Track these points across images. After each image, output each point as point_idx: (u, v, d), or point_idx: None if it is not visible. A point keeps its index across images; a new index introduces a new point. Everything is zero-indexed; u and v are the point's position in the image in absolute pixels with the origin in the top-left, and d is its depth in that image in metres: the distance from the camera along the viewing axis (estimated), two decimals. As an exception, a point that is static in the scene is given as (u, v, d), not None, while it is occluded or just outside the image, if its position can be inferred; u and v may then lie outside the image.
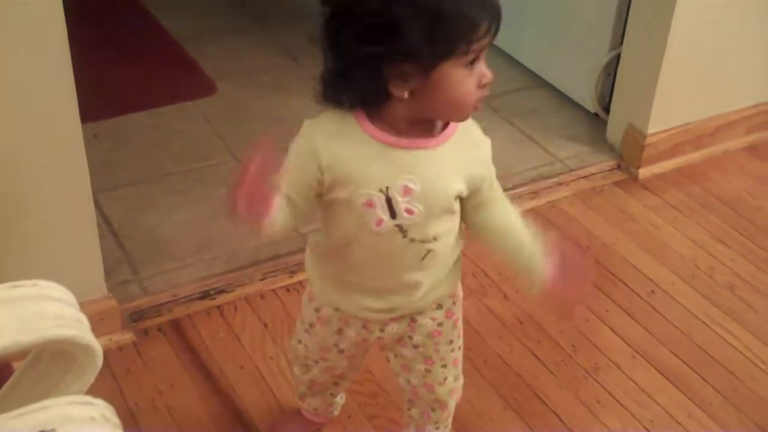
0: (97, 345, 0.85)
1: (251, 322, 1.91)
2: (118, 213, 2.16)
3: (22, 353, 0.86)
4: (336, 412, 1.69)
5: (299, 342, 1.48)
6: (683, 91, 2.38)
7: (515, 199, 2.28)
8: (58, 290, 0.86)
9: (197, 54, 2.84)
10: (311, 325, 1.43)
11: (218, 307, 1.94)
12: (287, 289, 1.97)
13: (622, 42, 2.44)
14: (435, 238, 1.26)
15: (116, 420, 0.76)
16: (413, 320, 1.37)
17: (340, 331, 1.40)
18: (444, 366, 1.43)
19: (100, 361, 0.85)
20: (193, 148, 2.42)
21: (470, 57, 1.13)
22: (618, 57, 2.46)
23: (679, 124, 2.44)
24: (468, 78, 1.14)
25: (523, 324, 1.95)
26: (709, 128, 2.49)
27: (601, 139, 2.54)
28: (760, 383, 1.85)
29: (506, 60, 2.88)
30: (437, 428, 1.54)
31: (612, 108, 2.52)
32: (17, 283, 0.86)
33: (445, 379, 1.45)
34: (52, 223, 1.66)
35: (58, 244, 1.68)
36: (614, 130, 2.50)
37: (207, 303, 1.95)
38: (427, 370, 1.43)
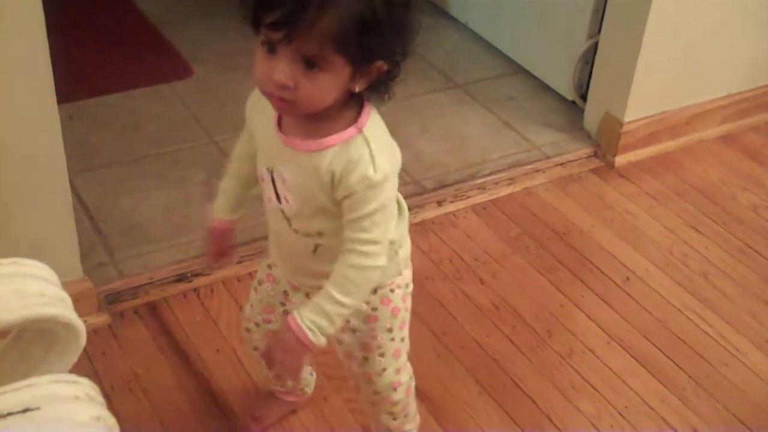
0: (80, 324, 0.84)
1: (228, 305, 1.90)
2: (94, 195, 2.14)
3: (3, 332, 0.85)
4: (308, 390, 1.69)
5: (247, 302, 1.51)
6: (660, 80, 2.39)
7: (492, 186, 2.30)
8: (40, 268, 0.85)
9: (173, 37, 2.82)
10: (260, 282, 1.45)
11: (195, 290, 1.94)
12: (264, 272, 1.97)
13: (600, 31, 2.45)
14: (320, 234, 1.27)
15: (100, 399, 0.76)
16: None
17: (286, 294, 1.42)
18: (382, 355, 1.41)
19: (83, 341, 0.85)
20: (169, 130, 2.41)
21: (263, 38, 1.11)
22: (596, 45, 2.47)
23: (655, 113, 2.45)
24: (263, 61, 1.12)
25: (499, 309, 1.96)
26: (684, 117, 2.51)
27: (578, 127, 2.55)
28: (732, 369, 1.87)
29: (484, 47, 2.89)
30: (394, 418, 1.53)
31: (589, 96, 2.53)
32: (-3, 261, 0.86)
33: (384, 370, 1.42)
34: (28, 204, 1.65)
35: (34, 226, 1.67)
36: (591, 118, 2.51)
37: (183, 286, 1.94)
38: (365, 358, 1.42)
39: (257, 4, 1.09)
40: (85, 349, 0.90)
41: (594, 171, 2.43)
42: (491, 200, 2.28)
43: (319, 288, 1.25)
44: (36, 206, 1.66)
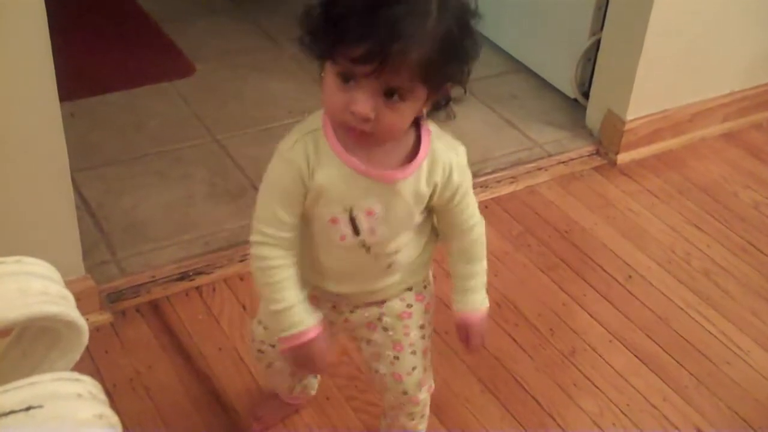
0: (82, 322, 0.84)
1: (230, 303, 1.90)
2: (96, 193, 2.14)
3: (5, 330, 0.85)
4: (312, 392, 1.69)
5: (259, 323, 1.47)
6: (662, 78, 2.39)
7: (494, 184, 2.30)
8: (42, 266, 0.85)
9: (175, 35, 2.82)
10: None
11: (197, 288, 1.94)
12: (266, 271, 1.97)
13: (602, 28, 2.45)
14: (397, 251, 1.29)
15: (103, 397, 0.76)
16: (382, 301, 1.37)
17: None
18: (414, 353, 1.41)
19: (85, 339, 0.85)
20: (171, 128, 2.40)
21: (341, 69, 1.08)
22: (598, 43, 2.47)
23: (657, 111, 2.45)
24: (338, 91, 1.09)
25: (501, 307, 1.96)
26: (686, 115, 2.51)
27: (581, 125, 2.55)
28: (734, 368, 1.87)
29: (486, 45, 2.87)
30: (412, 419, 1.52)
31: (591, 94, 2.53)
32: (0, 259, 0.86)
33: (414, 368, 1.42)
34: (30, 202, 1.65)
35: (36, 224, 1.67)
36: (593, 116, 2.51)
37: (185, 284, 1.94)
38: (396, 357, 1.41)
39: (337, 37, 1.06)
40: (87, 348, 0.90)
41: (596, 169, 2.43)
42: (493, 198, 2.28)
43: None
44: (38, 204, 1.66)
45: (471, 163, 2.45)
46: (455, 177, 1.23)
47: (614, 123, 2.43)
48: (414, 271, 1.36)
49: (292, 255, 1.25)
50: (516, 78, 2.76)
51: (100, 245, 2.00)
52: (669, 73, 2.40)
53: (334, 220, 1.22)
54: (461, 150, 1.25)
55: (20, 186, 1.62)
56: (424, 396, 1.48)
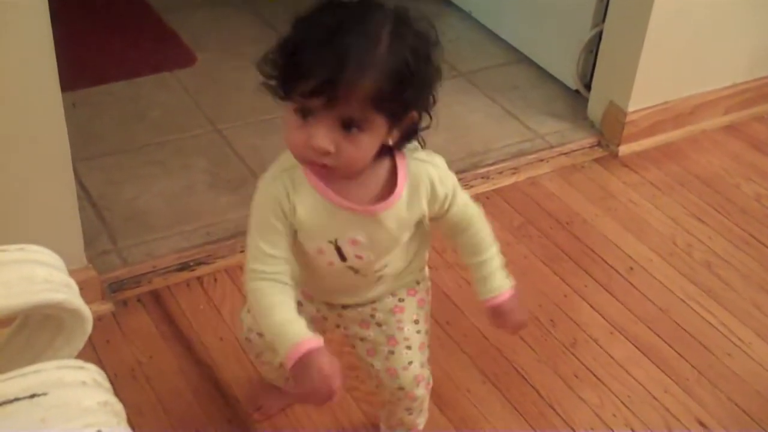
0: (86, 310, 0.84)
1: (231, 293, 1.90)
2: (97, 183, 2.14)
3: (9, 318, 0.85)
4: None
5: (248, 311, 1.47)
6: (664, 69, 2.39)
7: (495, 175, 2.30)
8: (46, 254, 0.85)
9: (177, 25, 2.81)
10: None
11: (198, 278, 1.94)
12: (267, 261, 1.97)
13: (604, 19, 2.44)
14: (386, 266, 1.30)
15: (107, 385, 0.76)
16: (373, 301, 1.38)
17: (299, 304, 1.39)
18: (409, 348, 1.40)
19: (89, 327, 0.85)
20: (173, 118, 2.40)
21: (298, 106, 1.09)
22: (600, 34, 2.46)
23: (659, 103, 2.45)
24: (297, 128, 1.10)
25: (502, 299, 1.96)
26: (688, 107, 2.51)
27: (582, 116, 2.54)
28: (735, 360, 1.87)
29: (487, 35, 2.88)
30: (410, 413, 1.52)
31: (593, 85, 2.52)
32: (3, 247, 0.86)
33: (410, 363, 1.41)
34: (32, 192, 1.65)
35: (37, 214, 1.67)
36: (595, 108, 2.51)
37: (187, 274, 1.94)
38: (391, 352, 1.40)
39: (290, 74, 1.08)
40: (88, 337, 0.90)
41: (597, 160, 2.43)
42: (494, 189, 2.27)
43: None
44: (40, 194, 1.66)
45: (472, 154, 2.47)
46: (439, 190, 1.24)
47: (616, 114, 2.43)
48: (405, 278, 1.37)
49: (288, 287, 1.23)
50: (517, 68, 2.76)
51: (102, 235, 2.00)
52: (671, 65, 2.39)
53: (320, 251, 1.25)
54: (437, 160, 1.25)
55: (22, 176, 1.62)
56: (422, 392, 1.47)
